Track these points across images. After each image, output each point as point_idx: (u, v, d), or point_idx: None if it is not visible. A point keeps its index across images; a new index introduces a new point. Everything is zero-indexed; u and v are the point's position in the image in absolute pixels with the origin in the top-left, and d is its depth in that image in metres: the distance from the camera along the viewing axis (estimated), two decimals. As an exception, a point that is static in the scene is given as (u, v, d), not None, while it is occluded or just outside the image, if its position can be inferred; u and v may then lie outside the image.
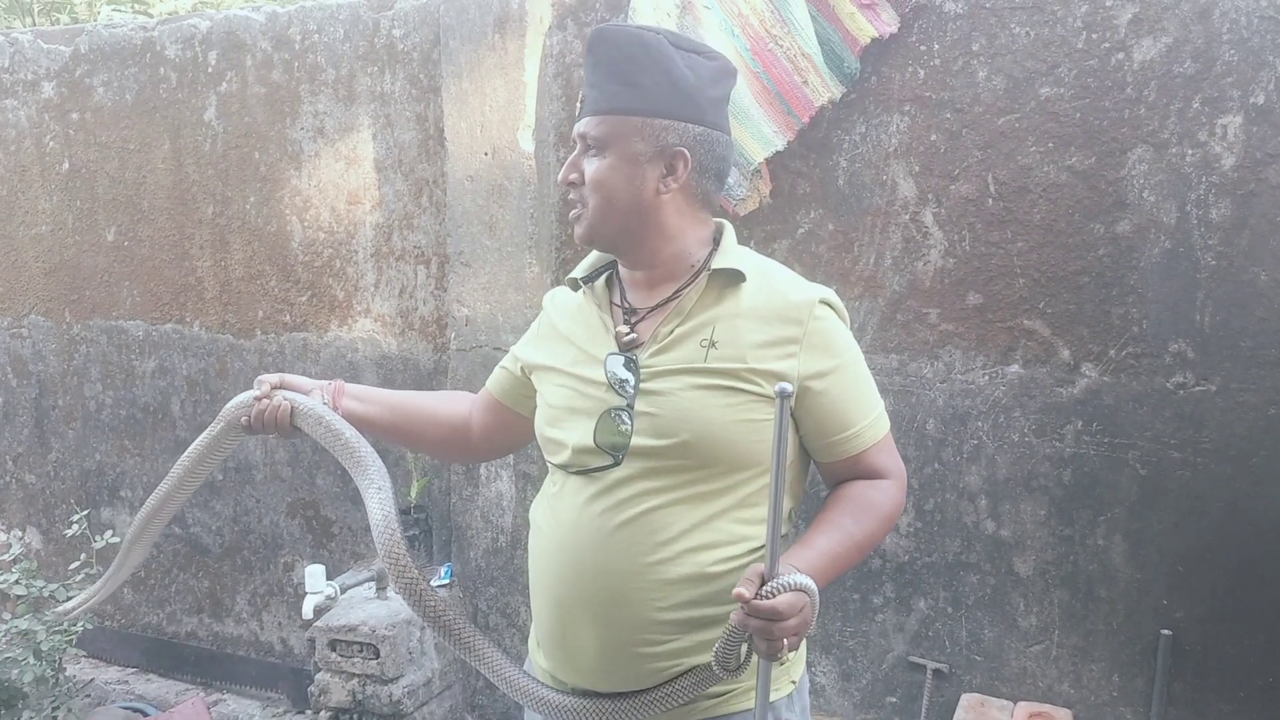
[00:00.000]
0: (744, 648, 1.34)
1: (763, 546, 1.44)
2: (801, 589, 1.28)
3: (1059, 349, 2.64)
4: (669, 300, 1.51)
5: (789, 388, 1.26)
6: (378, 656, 3.02)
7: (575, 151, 1.52)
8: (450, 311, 3.27)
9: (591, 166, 1.48)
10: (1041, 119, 2.59)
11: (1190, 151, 2.48)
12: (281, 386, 1.71)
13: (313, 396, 1.70)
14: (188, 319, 3.79)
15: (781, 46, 2.71)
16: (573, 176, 1.51)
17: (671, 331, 1.47)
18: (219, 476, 3.80)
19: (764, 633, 1.27)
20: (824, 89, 2.71)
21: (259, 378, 1.72)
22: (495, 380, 1.76)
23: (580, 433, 1.49)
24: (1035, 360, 2.66)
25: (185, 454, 1.79)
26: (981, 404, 2.72)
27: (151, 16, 4.81)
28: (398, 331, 3.46)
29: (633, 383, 1.46)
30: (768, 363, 1.42)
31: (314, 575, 3.18)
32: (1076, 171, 2.57)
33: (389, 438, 1.84)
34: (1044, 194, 2.61)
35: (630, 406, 1.46)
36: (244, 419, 1.70)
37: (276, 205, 3.57)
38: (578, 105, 1.54)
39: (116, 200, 3.82)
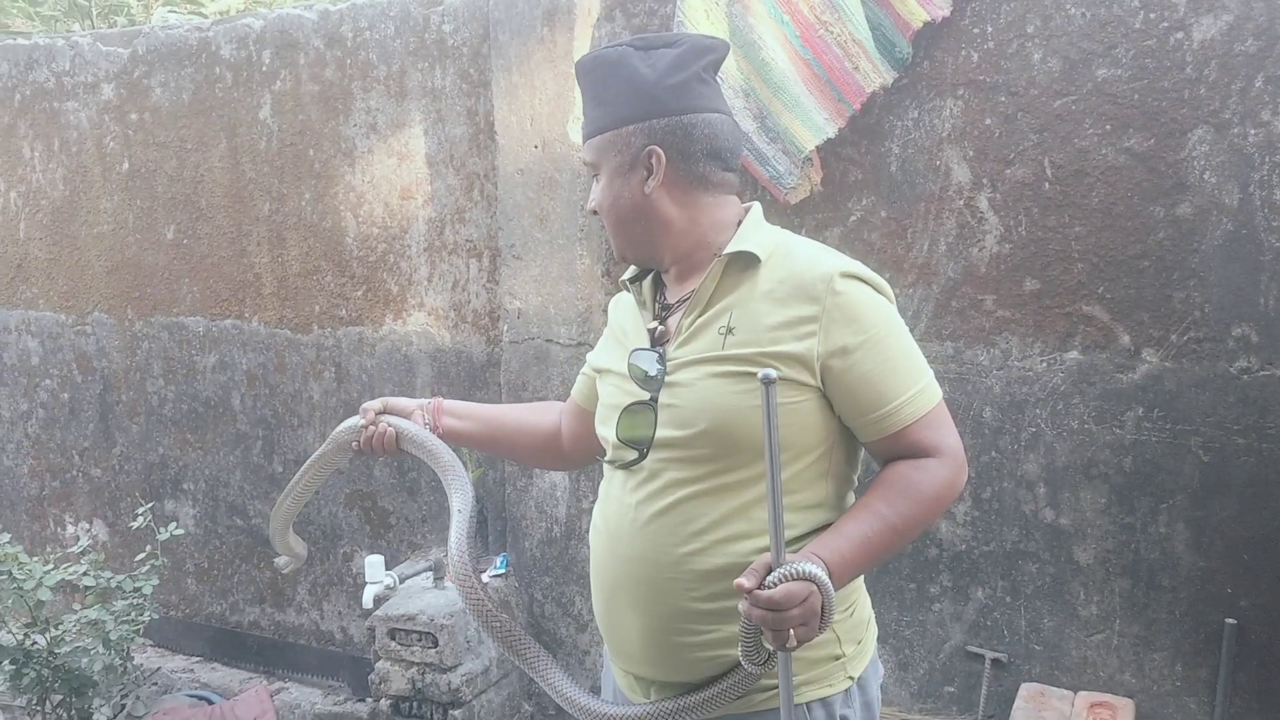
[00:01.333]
0: (764, 640, 1.32)
1: (804, 536, 1.44)
2: (806, 577, 1.26)
3: (1119, 334, 2.60)
4: (691, 292, 1.53)
5: (773, 374, 1.24)
6: (436, 645, 3.06)
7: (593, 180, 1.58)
8: (502, 304, 3.29)
9: (595, 191, 1.55)
10: (1099, 101, 2.55)
11: (1253, 131, 2.42)
12: (384, 410, 1.80)
13: (414, 417, 1.80)
14: (246, 314, 3.85)
15: (832, 33, 2.69)
16: (591, 205, 1.58)
17: (693, 322, 1.48)
18: (279, 469, 3.86)
19: (767, 624, 1.27)
20: (875, 75, 2.68)
21: (364, 405, 1.81)
22: (577, 387, 1.81)
23: (613, 428, 1.54)
24: (1094, 346, 2.62)
25: (299, 473, 1.92)
26: (1039, 391, 2.69)
27: (206, 17, 4.89)
28: (451, 325, 3.49)
29: (661, 376, 1.48)
30: (785, 344, 1.40)
31: (374, 565, 3.23)
32: (1135, 154, 2.53)
33: (487, 450, 1.95)
34: (1102, 177, 2.57)
35: (654, 400, 1.47)
36: (354, 444, 1.81)
37: (331, 201, 3.62)
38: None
39: (175, 199, 3.90)
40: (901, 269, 2.79)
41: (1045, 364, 2.67)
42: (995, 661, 2.80)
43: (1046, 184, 2.62)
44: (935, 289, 2.77)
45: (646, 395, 1.49)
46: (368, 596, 3.18)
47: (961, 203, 2.71)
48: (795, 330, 1.41)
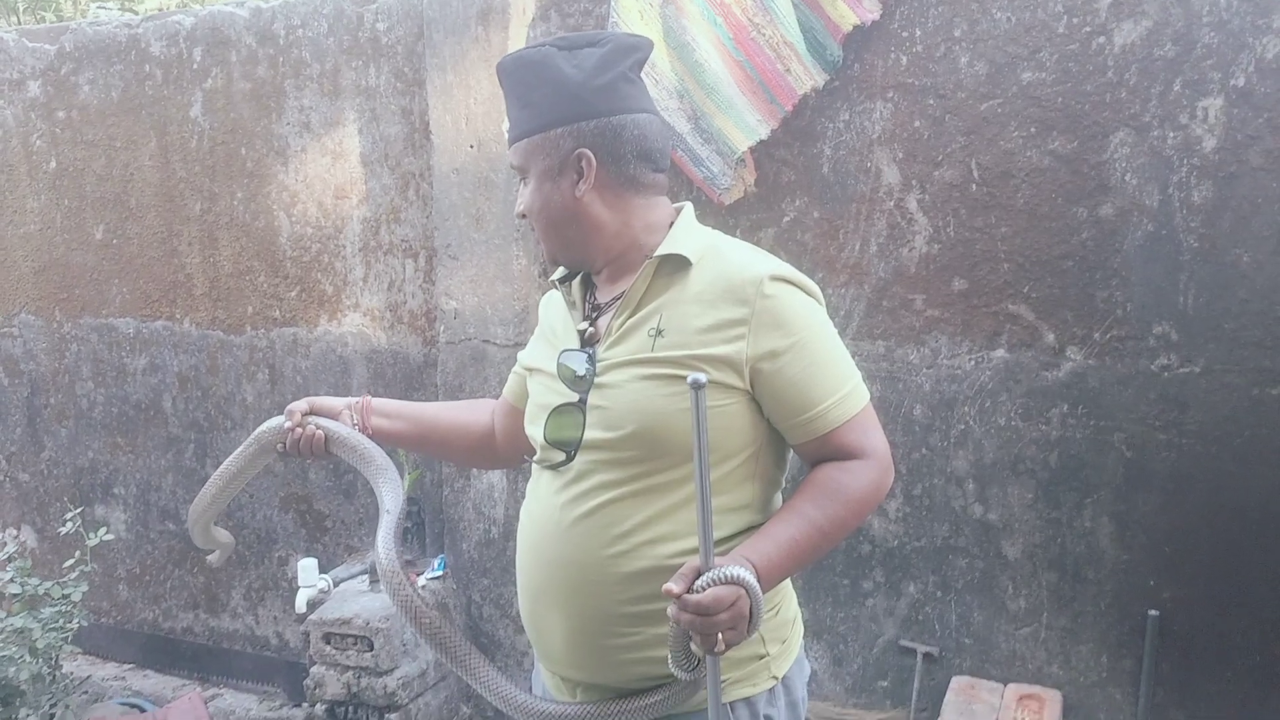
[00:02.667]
0: (692, 645, 1.32)
1: (730, 537, 1.44)
2: (734, 581, 1.27)
3: (1044, 333, 2.65)
4: (622, 293, 1.52)
5: (702, 378, 1.24)
6: (372, 649, 3.04)
7: (519, 184, 1.56)
8: (439, 304, 3.27)
9: (524, 195, 1.53)
10: (1024, 104, 2.60)
11: (1172, 134, 2.48)
12: (311, 411, 1.74)
13: (342, 417, 1.75)
14: (178, 316, 3.79)
15: (764, 35, 2.71)
16: (519, 209, 1.55)
17: (623, 324, 1.48)
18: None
19: (695, 628, 1.27)
20: (807, 77, 2.71)
21: (289, 406, 1.74)
22: (509, 385, 1.80)
23: (540, 428, 1.53)
24: (1020, 344, 2.67)
25: (217, 473, 1.85)
26: (968, 389, 2.73)
27: (137, 14, 4.80)
28: (387, 325, 3.46)
29: (590, 377, 1.47)
30: (714, 347, 1.40)
31: (306, 569, 3.20)
32: (1059, 156, 2.58)
33: (418, 451, 1.89)
34: (1027, 179, 2.62)
35: (583, 401, 1.47)
36: (279, 445, 1.75)
37: (264, 201, 3.57)
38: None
39: (104, 198, 3.82)
40: (834, 269, 2.82)
41: (973, 362, 2.72)
42: (927, 655, 2.85)
43: (973, 185, 2.66)
44: (867, 289, 2.80)
45: (575, 396, 1.48)
46: (301, 601, 3.15)
47: (892, 204, 2.75)
48: (724, 333, 1.41)
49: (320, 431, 1.71)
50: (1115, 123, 2.53)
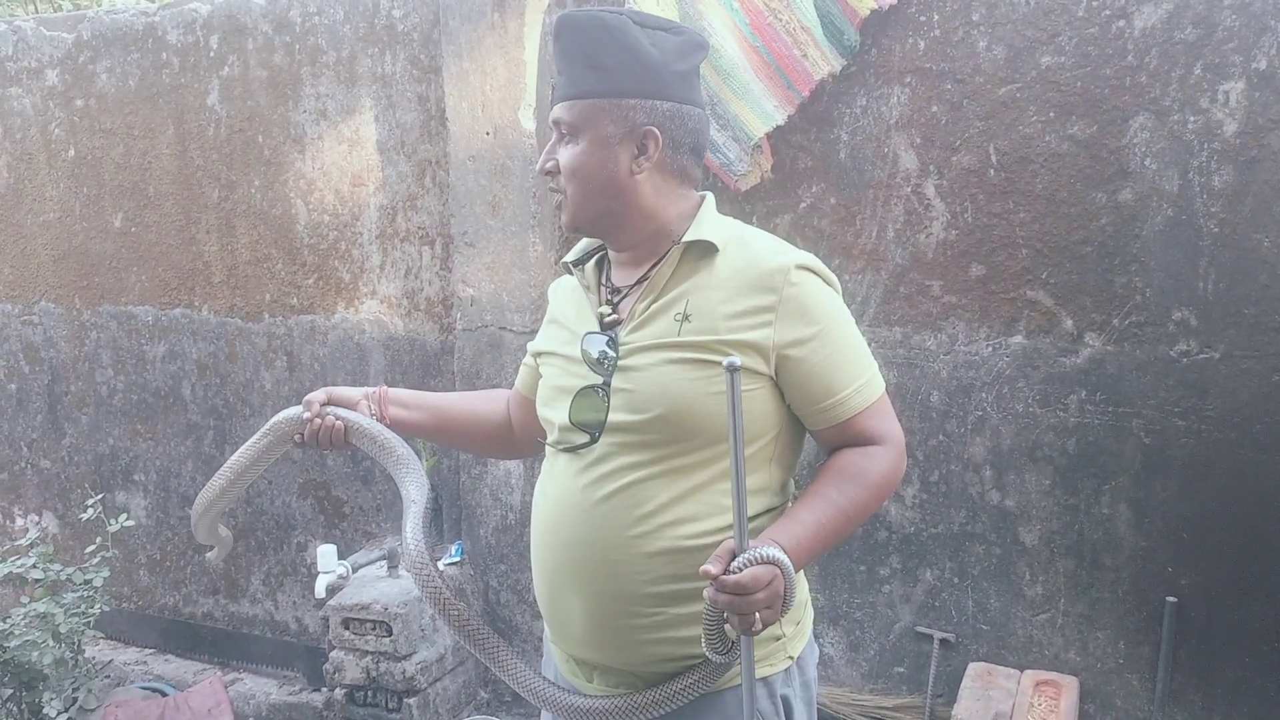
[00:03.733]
0: (727, 626, 1.34)
1: (750, 519, 1.44)
2: (770, 561, 1.28)
3: (1062, 319, 2.64)
4: (646, 277, 1.53)
5: (737, 361, 1.25)
6: (390, 634, 3.06)
7: (551, 139, 1.52)
8: (455, 292, 3.28)
9: (566, 154, 1.49)
10: (1042, 88, 2.58)
11: (1192, 118, 2.46)
12: (329, 401, 1.74)
13: (359, 407, 1.74)
14: (196, 303, 3.81)
15: (781, 20, 2.70)
16: (549, 165, 1.52)
17: (647, 308, 1.49)
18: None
19: (734, 608, 1.28)
20: (824, 62, 2.70)
21: (307, 397, 1.73)
22: (520, 378, 1.80)
23: (563, 410, 1.52)
24: (1038, 331, 2.66)
25: (228, 464, 1.82)
26: (985, 375, 2.73)
27: (152, 2, 4.82)
28: (404, 312, 3.48)
29: (612, 360, 1.48)
30: (741, 333, 1.42)
31: (325, 555, 3.22)
32: (1078, 140, 2.57)
33: (436, 440, 1.89)
34: (1045, 164, 2.60)
35: (607, 384, 1.48)
36: (296, 436, 1.74)
37: (281, 189, 3.58)
38: (550, 91, 1.55)
39: (123, 186, 3.84)
40: (850, 255, 2.82)
41: (991, 348, 2.71)
42: (943, 641, 2.85)
43: (991, 171, 2.65)
44: (884, 275, 2.80)
45: (599, 379, 1.49)
46: (320, 586, 3.17)
47: (909, 189, 2.74)
48: (751, 319, 1.43)
49: (339, 422, 1.71)
50: (1135, 107, 2.51)
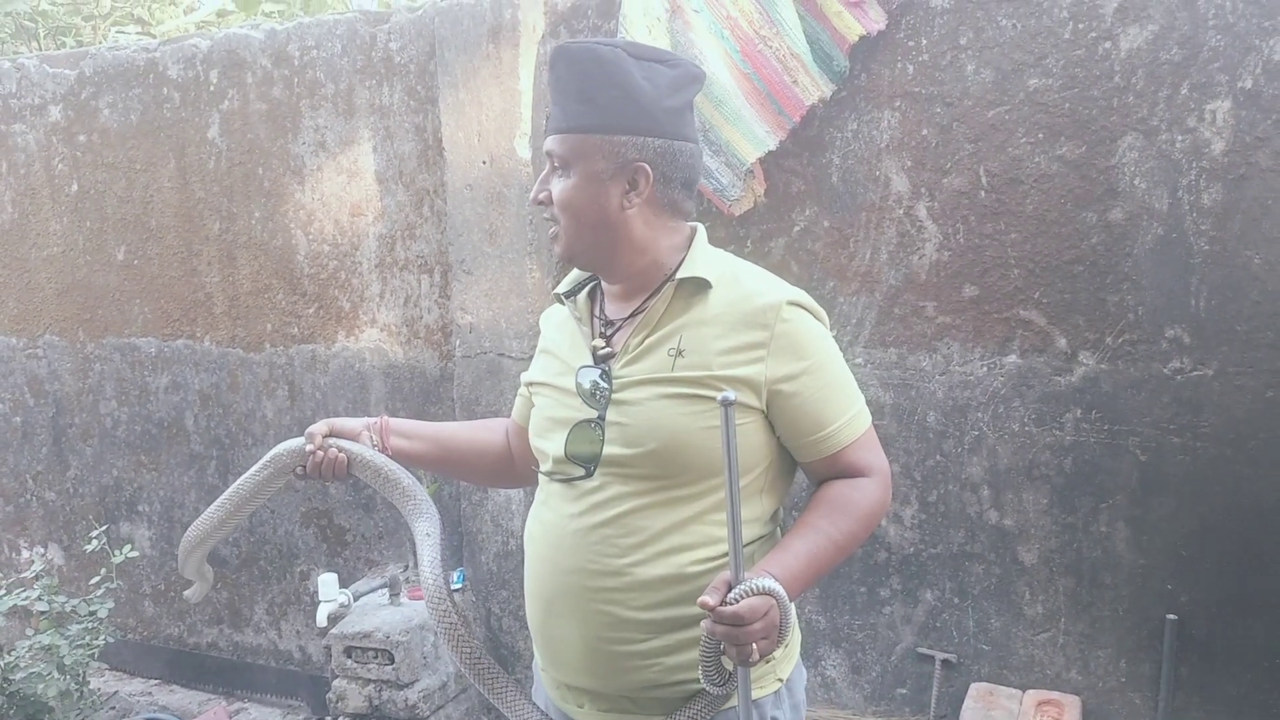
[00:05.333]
0: (724, 658, 1.36)
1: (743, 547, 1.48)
2: (766, 592, 1.30)
3: (1056, 338, 2.65)
4: (639, 311, 1.54)
5: (732, 396, 1.28)
6: (393, 662, 3.07)
7: (545, 169, 1.53)
8: (454, 319, 3.31)
9: (559, 186, 1.51)
10: (1031, 110, 2.61)
11: (1180, 138, 2.48)
12: (331, 433, 1.73)
13: (361, 438, 1.73)
14: (198, 334, 3.84)
15: (771, 47, 2.73)
16: (541, 196, 1.53)
17: (641, 342, 1.50)
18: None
19: (731, 639, 1.29)
20: (814, 88, 2.73)
21: (309, 429, 1.73)
22: (516, 407, 1.81)
23: (557, 443, 1.54)
24: (1033, 350, 2.68)
25: (225, 496, 1.80)
26: (981, 395, 2.74)
27: (155, 38, 4.87)
28: (404, 340, 3.50)
29: (607, 393, 1.49)
30: (734, 369, 1.44)
31: (326, 584, 3.23)
32: (1067, 161, 2.59)
33: (438, 471, 1.87)
34: (1036, 184, 2.62)
35: (601, 418, 1.49)
36: (297, 469, 1.73)
37: (281, 220, 3.62)
38: (544, 121, 1.56)
39: (125, 220, 3.88)
40: (844, 278, 2.84)
41: (986, 368, 2.72)
42: (945, 662, 2.85)
43: (982, 192, 2.67)
44: (878, 297, 2.81)
45: (594, 413, 1.50)
46: (321, 615, 3.18)
47: (901, 212, 2.76)
48: (743, 355, 1.45)
49: (342, 454, 1.70)
50: (1123, 127, 2.53)
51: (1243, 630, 2.55)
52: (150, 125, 3.77)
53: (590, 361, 1.54)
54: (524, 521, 3.21)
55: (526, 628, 3.29)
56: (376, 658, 3.09)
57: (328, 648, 3.19)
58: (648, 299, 1.54)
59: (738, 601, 1.28)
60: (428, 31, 3.27)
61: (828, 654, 3.00)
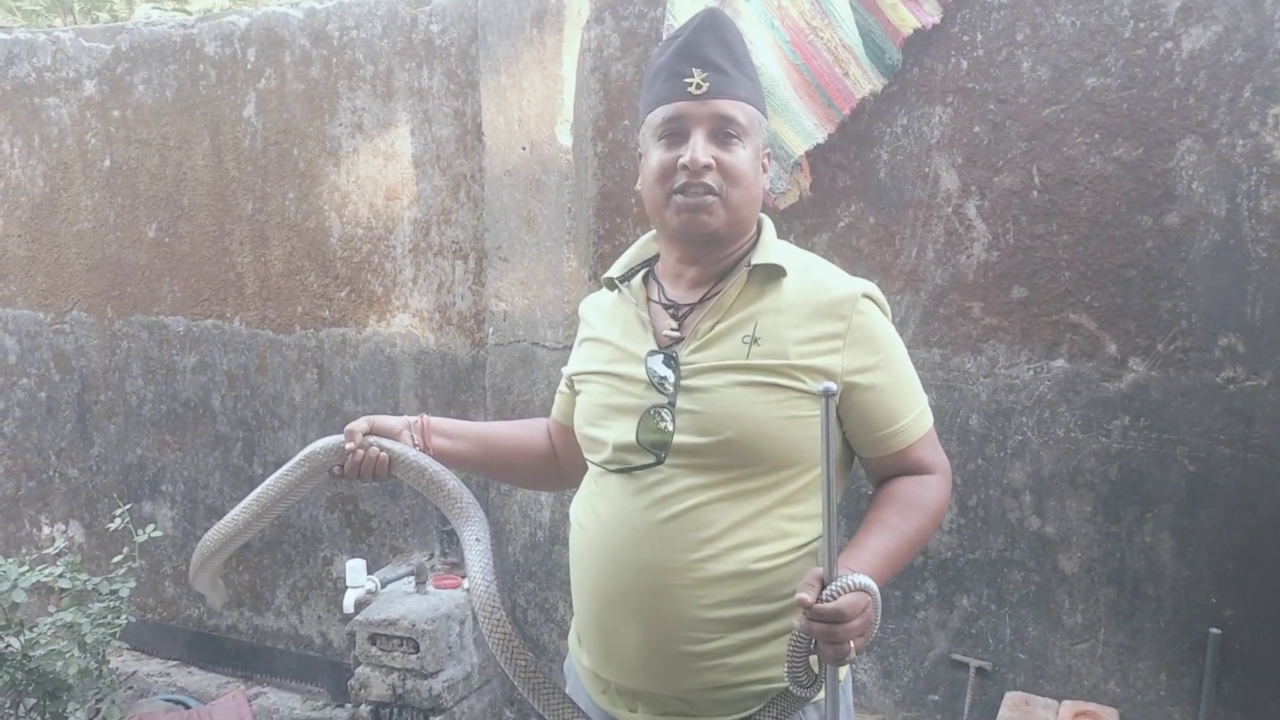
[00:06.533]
0: (812, 659, 1.31)
1: (809, 543, 1.45)
2: (863, 589, 1.26)
3: (1105, 343, 2.60)
4: (709, 296, 1.50)
5: (834, 387, 1.25)
6: (418, 651, 3.03)
7: (699, 134, 1.43)
8: (488, 306, 3.27)
9: (735, 155, 1.44)
10: (1087, 110, 2.55)
11: (1241, 142, 2.43)
12: (371, 431, 1.66)
13: (402, 437, 1.67)
14: (228, 315, 3.81)
15: (822, 38, 2.68)
16: (708, 160, 1.42)
17: (713, 328, 1.46)
18: (259, 471, 3.83)
19: (829, 636, 1.25)
20: (865, 81, 2.68)
21: (349, 426, 1.66)
22: (556, 407, 1.77)
23: (621, 430, 1.48)
24: (1081, 355, 2.62)
25: (254, 496, 1.71)
26: (1026, 399, 2.69)
27: (190, 14, 4.85)
28: (435, 327, 3.47)
29: (673, 380, 1.44)
30: (811, 359, 1.41)
31: (355, 569, 3.20)
32: (1123, 163, 2.53)
33: (480, 472, 1.83)
34: (1090, 186, 2.57)
35: (672, 404, 1.44)
36: (335, 467, 1.66)
37: (315, 201, 3.59)
38: (686, 83, 1.43)
39: (157, 197, 3.86)
40: (889, 275, 2.79)
41: (1032, 372, 2.67)
42: (980, 670, 2.80)
43: (1035, 192, 2.62)
44: (923, 296, 2.76)
45: (663, 399, 1.45)
46: (349, 601, 3.15)
47: (950, 210, 2.71)
48: (821, 345, 1.42)
49: (384, 454, 1.64)
50: (1182, 130, 2.47)
51: (1289, 647, 2.50)
52: (185, 102, 3.74)
53: (655, 346, 1.49)
54: (552, 513, 3.20)
55: (553, 620, 3.27)
56: (401, 646, 3.05)
57: (351, 634, 3.16)
58: (718, 284, 1.50)
59: (835, 598, 1.24)
60: (470, 14, 3.23)
61: (859, 658, 2.94)
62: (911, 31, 2.63)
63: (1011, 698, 2.72)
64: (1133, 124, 2.52)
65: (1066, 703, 2.68)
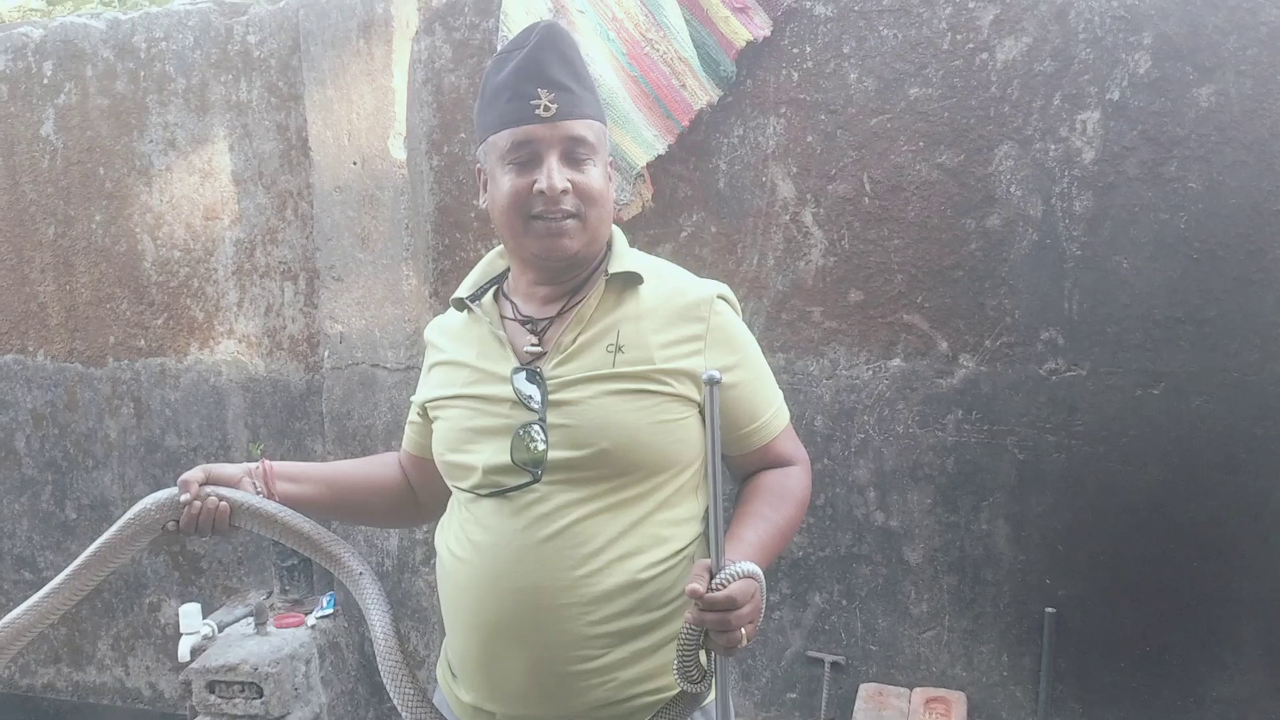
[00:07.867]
0: (702, 655, 1.30)
1: (686, 548, 1.45)
2: (750, 575, 1.26)
3: (937, 341, 2.71)
4: (568, 308, 1.47)
5: (718, 374, 1.23)
6: (261, 695, 2.87)
7: (552, 157, 1.39)
8: (322, 329, 3.14)
9: (588, 175, 1.41)
10: (912, 118, 2.66)
11: (1053, 147, 2.58)
12: (207, 481, 1.54)
13: (243, 485, 1.55)
14: (30, 348, 3.53)
15: (658, 50, 2.70)
16: (564, 185, 1.38)
17: (575, 340, 1.43)
18: (73, 515, 3.55)
19: (721, 625, 1.24)
20: (702, 92, 2.71)
21: (182, 478, 1.53)
22: (408, 438, 1.69)
23: (491, 453, 1.42)
24: (915, 353, 2.73)
25: (74, 568, 1.53)
26: (866, 398, 2.77)
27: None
28: (265, 352, 3.30)
29: (539, 396, 1.41)
30: (675, 361, 1.41)
31: (188, 614, 3.01)
32: (947, 169, 2.65)
33: (332, 516, 1.71)
34: (917, 191, 2.67)
35: (542, 420, 1.40)
36: (169, 523, 1.52)
37: (125, 223, 3.36)
38: (533, 105, 1.38)
39: (-58, 223, 3.54)
40: (733, 283, 2.81)
41: (871, 372, 2.76)
42: (834, 664, 2.86)
43: (866, 199, 2.71)
44: (766, 302, 2.82)
45: (532, 416, 1.40)
46: (184, 648, 2.96)
47: (788, 218, 2.77)
48: (683, 348, 1.42)
49: (224, 503, 1.52)
50: (999, 136, 2.61)
51: (1116, 619, 2.66)
52: (-28, 120, 3.45)
53: (518, 363, 1.45)
54: (399, 541, 3.09)
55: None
56: (244, 691, 2.88)
57: (186, 683, 2.96)
58: (575, 295, 1.47)
59: (726, 585, 1.23)
60: (290, 25, 3.10)
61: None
62: (744, 44, 2.68)
63: (866, 689, 2.79)
64: (954, 131, 2.64)
65: (918, 690, 2.78)
